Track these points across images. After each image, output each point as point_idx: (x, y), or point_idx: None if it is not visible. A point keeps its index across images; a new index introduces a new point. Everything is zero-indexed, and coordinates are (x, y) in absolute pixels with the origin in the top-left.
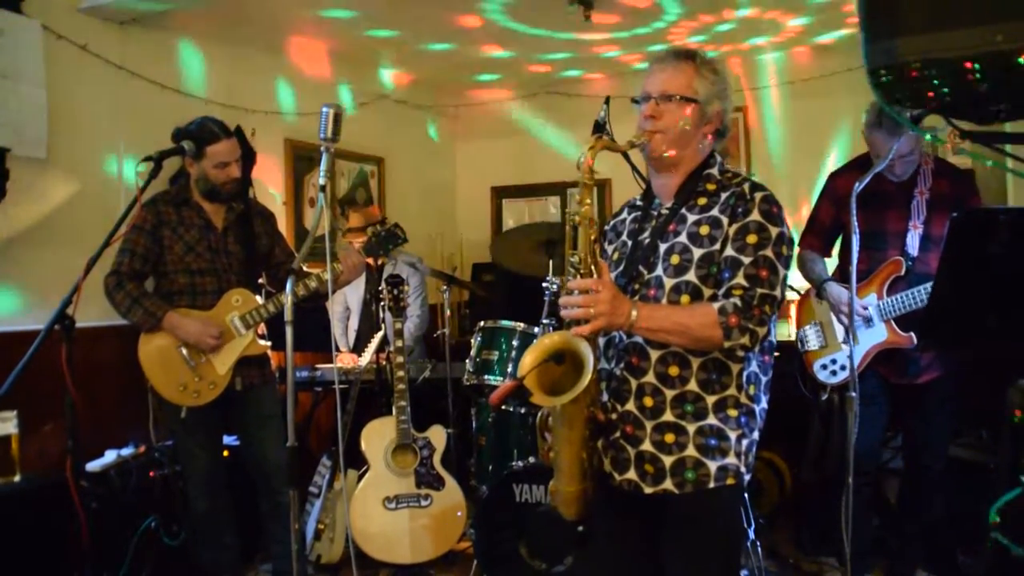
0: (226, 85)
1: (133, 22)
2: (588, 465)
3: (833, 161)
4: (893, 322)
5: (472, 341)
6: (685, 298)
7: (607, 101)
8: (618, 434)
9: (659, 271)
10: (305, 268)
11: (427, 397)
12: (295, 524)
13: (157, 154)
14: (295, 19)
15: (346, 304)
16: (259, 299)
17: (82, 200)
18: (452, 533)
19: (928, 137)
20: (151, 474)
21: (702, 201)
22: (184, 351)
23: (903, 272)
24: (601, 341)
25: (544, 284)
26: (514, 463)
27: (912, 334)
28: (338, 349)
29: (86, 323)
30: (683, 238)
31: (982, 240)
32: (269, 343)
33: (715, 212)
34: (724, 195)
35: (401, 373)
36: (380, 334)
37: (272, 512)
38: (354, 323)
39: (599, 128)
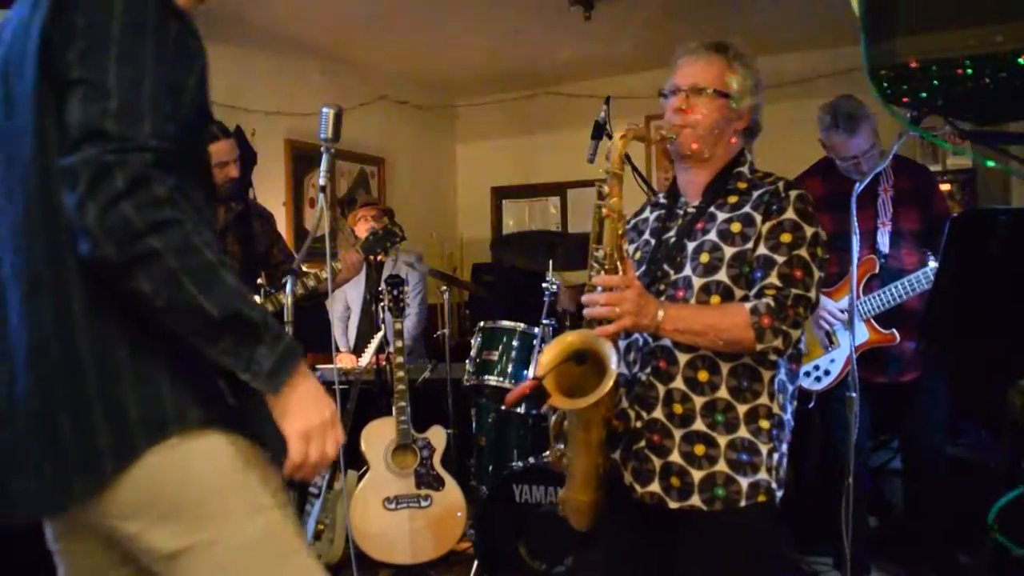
0: (226, 85)
1: None
2: (603, 473)
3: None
4: (873, 320)
5: (472, 341)
6: (715, 299)
7: (607, 101)
8: (643, 443)
9: (687, 271)
10: (304, 268)
11: (427, 397)
12: None
13: None
14: (295, 19)
15: (346, 303)
16: (257, 299)
17: None
18: (452, 533)
19: (926, 136)
20: None
21: (733, 199)
22: None
23: (877, 270)
24: (621, 344)
25: (544, 284)
26: (514, 463)
27: (894, 330)
28: (338, 349)
29: None
30: (713, 236)
31: (982, 241)
32: None
33: (747, 209)
34: (756, 193)
35: (401, 373)
36: (380, 334)
37: None
38: (355, 322)
39: (599, 128)
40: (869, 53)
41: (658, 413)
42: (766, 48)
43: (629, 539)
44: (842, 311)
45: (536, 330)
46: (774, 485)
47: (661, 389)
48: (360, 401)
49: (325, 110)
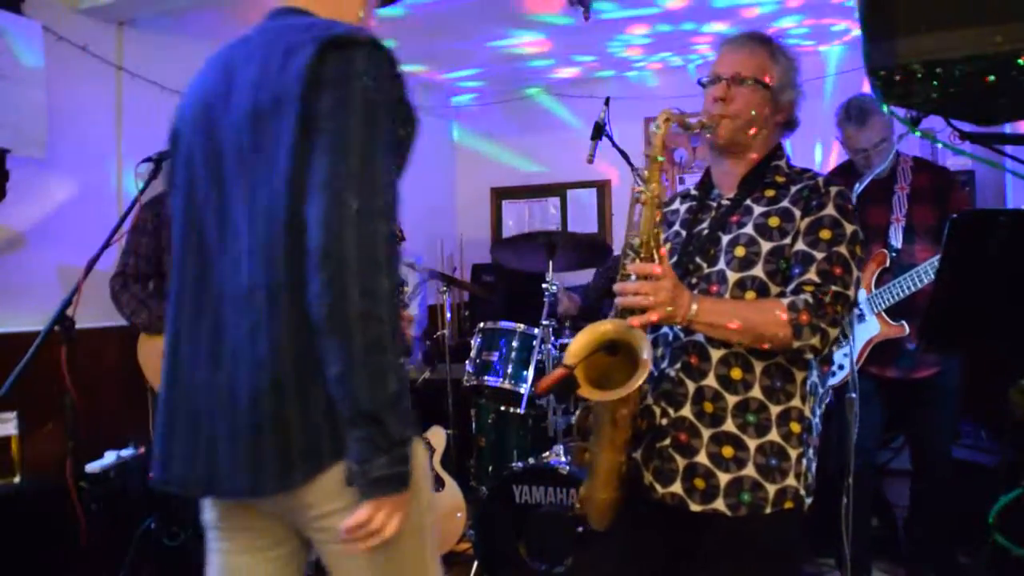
0: None
1: (133, 23)
2: (626, 471)
3: None
4: (884, 314)
5: (472, 342)
6: (750, 294)
7: (607, 102)
8: (667, 442)
9: (721, 264)
10: None
11: (427, 397)
12: None
13: (157, 155)
14: None
15: None
16: None
17: (82, 201)
18: (452, 533)
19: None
20: (151, 475)
21: (770, 193)
22: None
23: (888, 264)
24: (648, 337)
25: (544, 285)
26: (514, 464)
27: (904, 323)
28: None
29: (86, 324)
30: (749, 229)
31: (982, 241)
32: None
33: (786, 204)
34: (795, 188)
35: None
36: None
37: None
38: None
39: (599, 129)
40: (869, 53)
41: (686, 411)
42: None
43: (643, 538)
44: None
45: (536, 331)
46: (802, 492)
47: (691, 386)
48: None
49: None
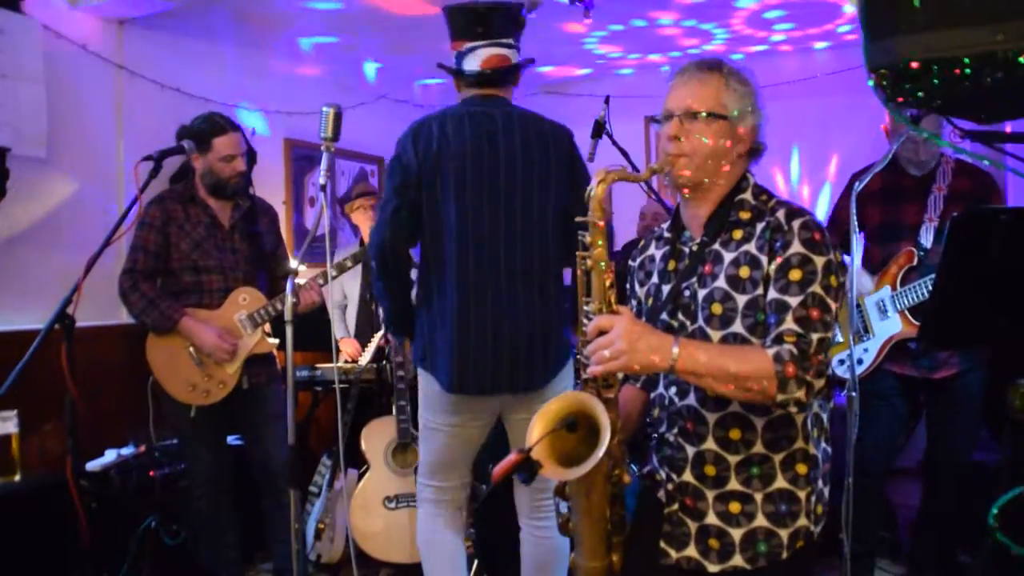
0: (226, 85)
1: (132, 21)
2: (613, 536)
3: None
4: (908, 312)
5: None
6: None
7: (607, 101)
8: (676, 507)
9: (700, 322)
10: (301, 268)
11: None
12: (295, 523)
13: (157, 153)
14: (294, 18)
15: (344, 293)
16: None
17: (82, 200)
18: None
19: (925, 136)
20: (151, 474)
21: (737, 234)
22: (192, 350)
23: (915, 263)
24: (651, 396)
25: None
26: None
27: None
28: (339, 346)
29: (86, 323)
30: (722, 283)
31: (982, 241)
32: (276, 340)
33: (752, 249)
34: (760, 226)
35: (401, 372)
36: (379, 334)
37: (274, 511)
38: (352, 312)
39: (599, 128)
40: (869, 52)
41: (687, 476)
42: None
43: None
44: (878, 303)
45: None
46: (812, 527)
47: (690, 451)
48: (360, 401)
49: (325, 109)
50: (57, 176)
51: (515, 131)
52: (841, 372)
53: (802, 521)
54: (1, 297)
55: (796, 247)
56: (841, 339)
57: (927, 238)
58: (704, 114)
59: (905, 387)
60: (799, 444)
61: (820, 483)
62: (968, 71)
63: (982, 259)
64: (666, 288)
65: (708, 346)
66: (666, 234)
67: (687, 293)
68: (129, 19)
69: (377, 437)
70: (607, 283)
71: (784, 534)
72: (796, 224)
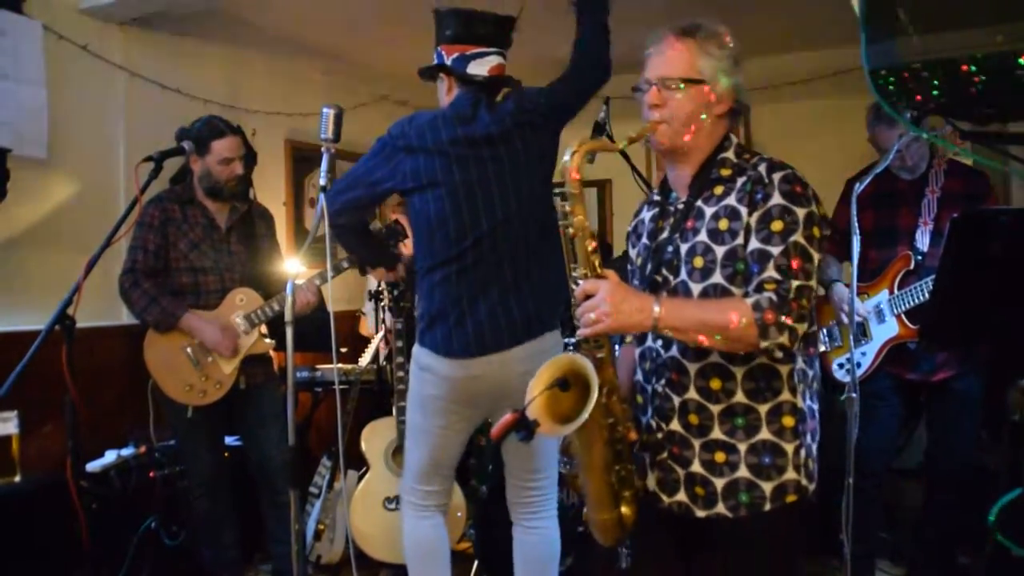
0: (226, 85)
1: (134, 22)
2: (620, 489)
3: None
4: (904, 316)
5: None
6: None
7: (607, 101)
8: (665, 454)
9: (683, 276)
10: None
11: None
12: (295, 524)
13: (158, 154)
14: (295, 19)
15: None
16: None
17: (83, 201)
18: (452, 533)
19: (926, 136)
20: (151, 474)
21: (718, 190)
22: (190, 351)
23: (912, 267)
24: (637, 352)
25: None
26: None
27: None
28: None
29: (86, 323)
30: (703, 236)
31: (982, 241)
32: (273, 341)
33: (732, 202)
34: (740, 180)
35: (401, 373)
36: (379, 335)
37: (273, 512)
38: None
39: (599, 128)
40: (869, 53)
41: (675, 425)
42: (767, 48)
43: (654, 541)
44: (875, 307)
45: None
46: (804, 481)
47: (676, 400)
48: (360, 401)
49: (325, 110)
50: (58, 177)
51: (506, 124)
52: (840, 376)
53: (790, 475)
54: (1, 298)
55: (776, 199)
56: (840, 343)
57: (923, 241)
58: (680, 80)
59: (903, 388)
60: (785, 396)
61: (808, 438)
62: (968, 72)
63: (983, 260)
64: (652, 247)
65: (688, 302)
66: (655, 197)
67: (670, 249)
68: (130, 20)
69: (377, 438)
70: (590, 248)
71: (767, 487)
72: (777, 177)
